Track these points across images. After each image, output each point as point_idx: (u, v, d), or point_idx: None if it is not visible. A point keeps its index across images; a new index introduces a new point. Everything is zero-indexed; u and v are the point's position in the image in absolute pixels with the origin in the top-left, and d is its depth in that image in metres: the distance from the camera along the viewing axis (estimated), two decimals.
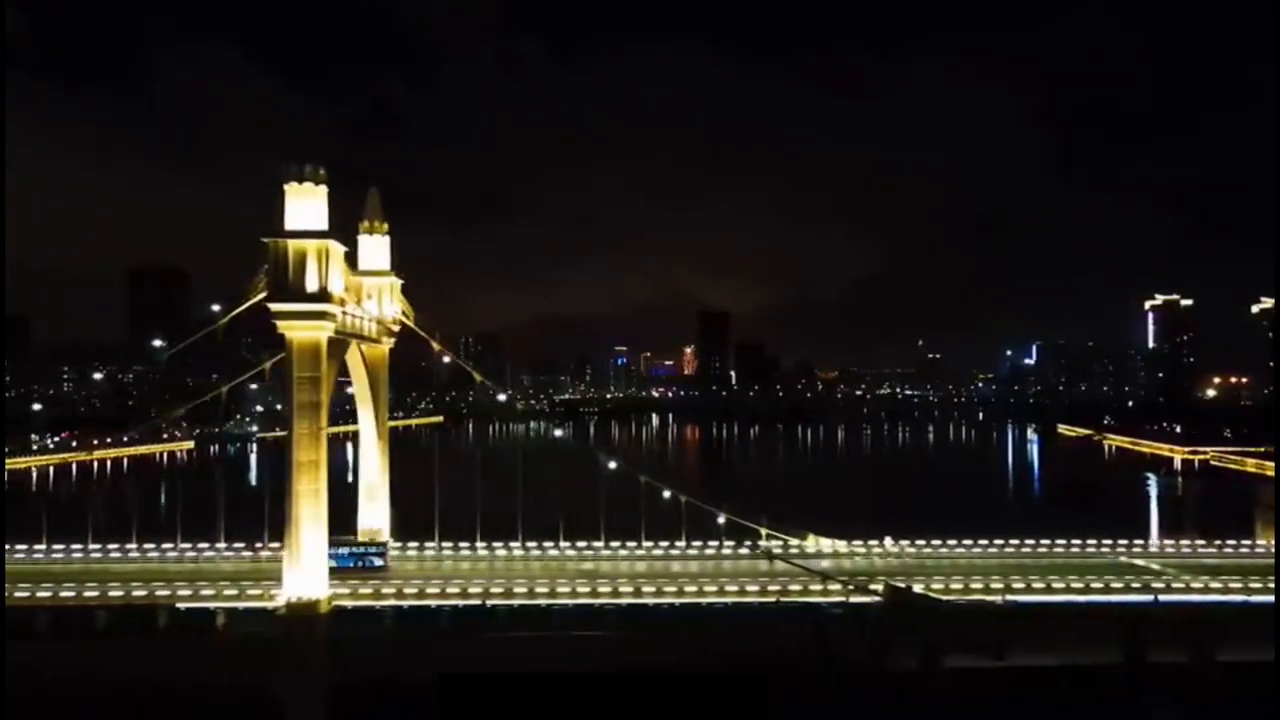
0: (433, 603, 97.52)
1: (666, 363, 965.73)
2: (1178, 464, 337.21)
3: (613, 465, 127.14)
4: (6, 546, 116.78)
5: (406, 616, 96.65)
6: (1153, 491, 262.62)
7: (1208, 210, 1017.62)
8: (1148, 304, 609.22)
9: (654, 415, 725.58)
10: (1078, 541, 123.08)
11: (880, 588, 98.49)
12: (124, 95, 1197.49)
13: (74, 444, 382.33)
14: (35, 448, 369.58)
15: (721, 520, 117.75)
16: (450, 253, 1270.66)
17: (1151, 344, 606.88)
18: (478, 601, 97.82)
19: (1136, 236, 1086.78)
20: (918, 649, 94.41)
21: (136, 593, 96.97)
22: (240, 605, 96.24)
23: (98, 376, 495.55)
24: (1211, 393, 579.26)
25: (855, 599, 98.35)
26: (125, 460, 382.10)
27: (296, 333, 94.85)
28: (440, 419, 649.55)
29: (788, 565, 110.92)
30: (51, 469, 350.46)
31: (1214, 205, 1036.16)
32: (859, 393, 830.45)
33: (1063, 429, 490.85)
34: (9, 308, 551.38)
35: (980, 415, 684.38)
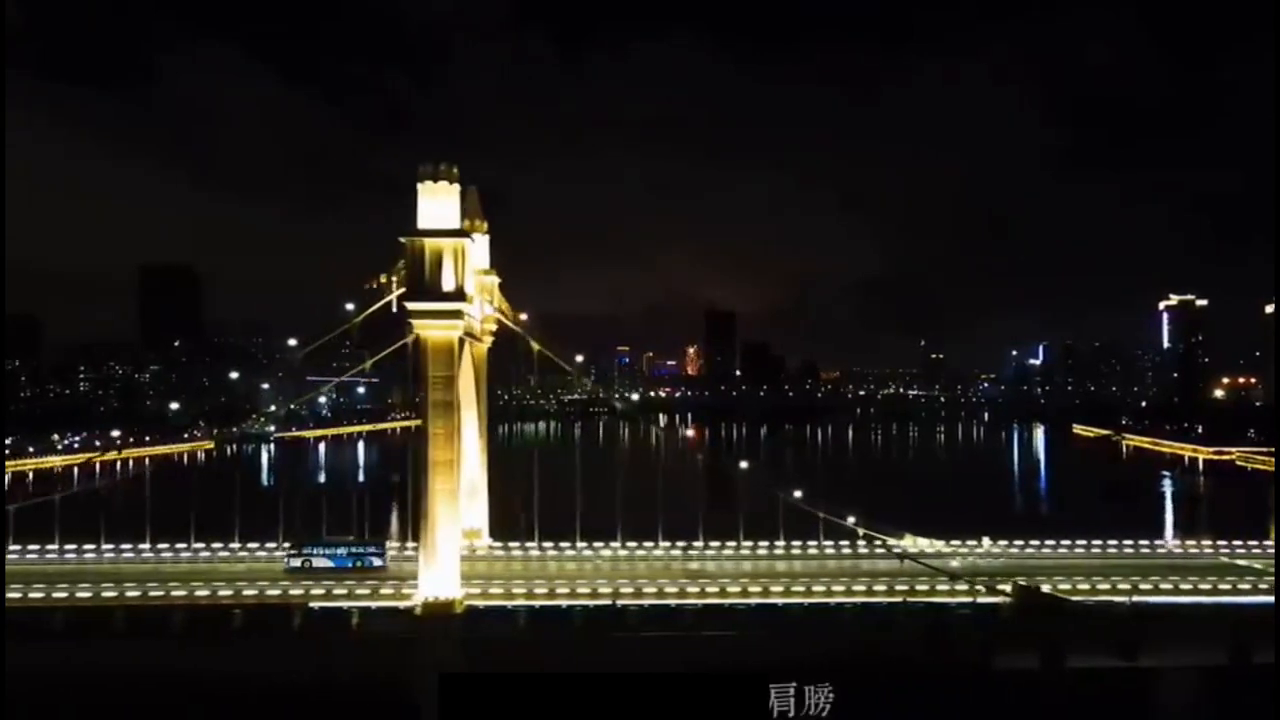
0: (564, 602, 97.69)
1: (669, 363, 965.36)
2: (1202, 464, 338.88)
3: (744, 465, 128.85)
4: (102, 547, 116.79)
5: (539, 616, 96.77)
6: (1183, 491, 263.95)
7: (1219, 210, 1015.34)
8: (1162, 304, 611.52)
9: (661, 415, 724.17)
10: (1176, 541, 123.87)
11: (1009, 587, 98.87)
12: (125, 94, 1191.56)
13: (97, 443, 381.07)
14: (60, 446, 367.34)
15: (851, 520, 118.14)
16: None
17: (1166, 344, 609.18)
18: (607, 601, 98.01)
19: (1144, 236, 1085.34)
20: (1049, 649, 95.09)
21: (270, 592, 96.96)
22: (374, 605, 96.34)
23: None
24: (1219, 393, 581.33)
25: (983, 599, 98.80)
26: (147, 460, 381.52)
27: (431, 332, 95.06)
28: None
29: (890, 564, 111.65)
30: (76, 468, 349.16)
31: (1225, 205, 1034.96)
32: (863, 393, 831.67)
33: (1078, 429, 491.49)
34: (18, 307, 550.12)
35: (986, 416, 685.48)
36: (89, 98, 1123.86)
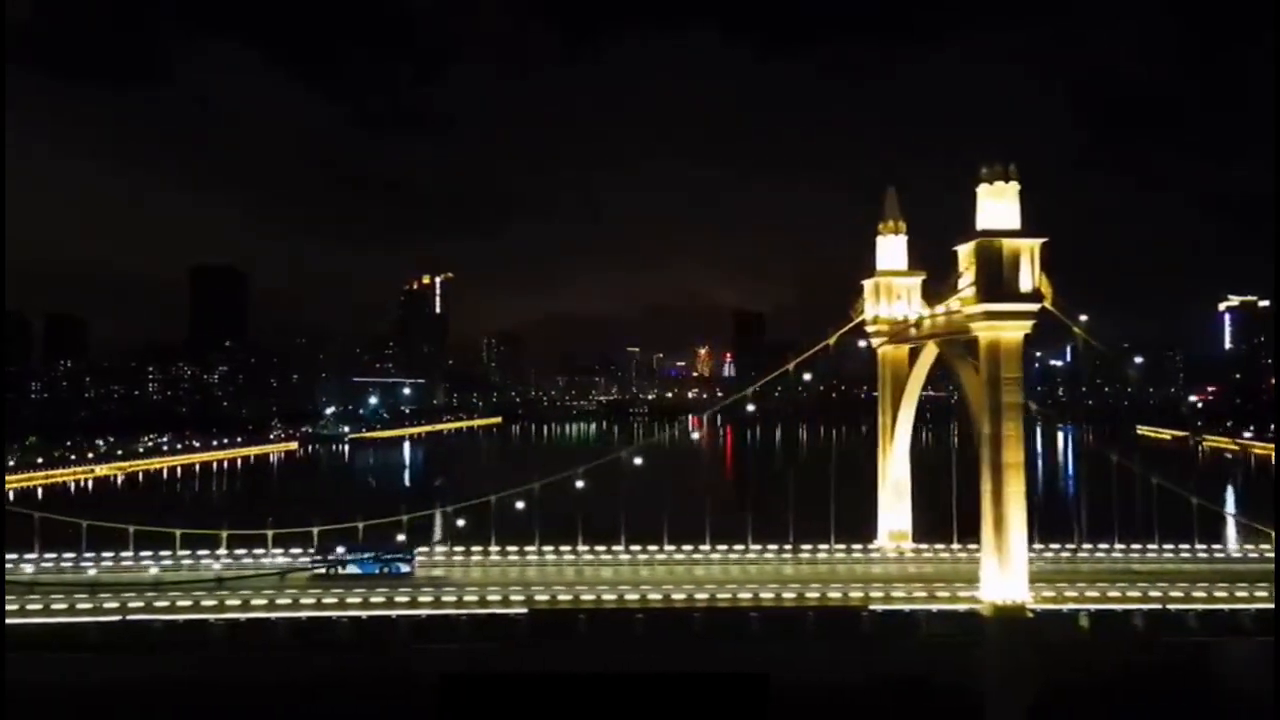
0: (1119, 606, 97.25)
1: (679, 364, 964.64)
2: None
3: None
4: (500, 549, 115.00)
5: (1101, 620, 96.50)
6: None
7: (1241, 207, 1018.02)
8: (1222, 305, 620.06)
9: (689, 415, 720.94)
10: None
11: None
12: (136, 93, 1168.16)
13: (195, 443, 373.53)
14: (165, 449, 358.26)
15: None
16: (458, 250, 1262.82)
17: (1228, 345, 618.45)
18: (1157, 606, 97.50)
19: (1162, 236, 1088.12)
20: None
21: (831, 594, 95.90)
22: (934, 607, 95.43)
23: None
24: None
25: None
26: (240, 460, 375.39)
27: (1003, 333, 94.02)
28: (499, 420, 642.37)
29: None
30: (180, 469, 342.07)
31: (1247, 202, 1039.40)
32: (875, 394, 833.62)
33: (1143, 430, 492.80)
34: (64, 308, 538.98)
35: None
36: (91, 96, 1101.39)
